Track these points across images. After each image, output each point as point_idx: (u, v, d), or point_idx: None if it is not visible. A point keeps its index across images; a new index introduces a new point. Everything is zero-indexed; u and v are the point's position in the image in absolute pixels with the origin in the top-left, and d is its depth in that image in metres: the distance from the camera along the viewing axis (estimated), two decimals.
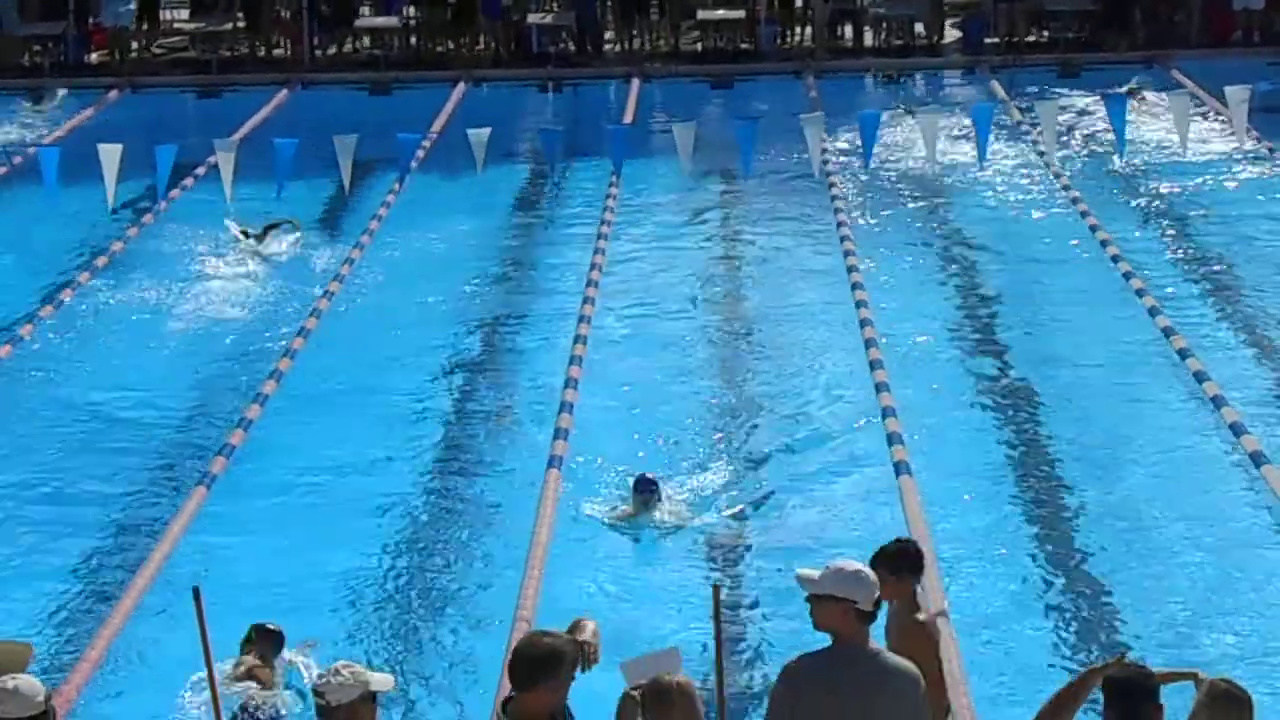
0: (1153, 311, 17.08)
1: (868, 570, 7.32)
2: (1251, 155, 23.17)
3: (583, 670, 7.04)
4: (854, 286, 18.10)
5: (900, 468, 13.39)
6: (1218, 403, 14.66)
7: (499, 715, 6.92)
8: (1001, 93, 26.92)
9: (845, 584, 7.17)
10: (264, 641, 10.85)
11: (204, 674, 8.03)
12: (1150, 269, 18.79)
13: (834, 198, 21.63)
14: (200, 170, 22.29)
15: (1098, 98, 24.36)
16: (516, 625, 10.80)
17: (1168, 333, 16.44)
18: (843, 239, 19.93)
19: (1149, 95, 25.79)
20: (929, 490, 13.14)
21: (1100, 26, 30.04)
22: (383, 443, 14.84)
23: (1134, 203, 21.91)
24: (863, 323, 16.87)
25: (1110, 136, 22.21)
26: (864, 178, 22.51)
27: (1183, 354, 15.85)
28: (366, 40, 31.52)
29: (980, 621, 11.56)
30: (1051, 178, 22.38)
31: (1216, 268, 19.16)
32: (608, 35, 31.18)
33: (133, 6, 30.90)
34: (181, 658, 10.56)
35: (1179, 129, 20.26)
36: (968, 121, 22.16)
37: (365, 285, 19.10)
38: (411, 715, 10.74)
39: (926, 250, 20.26)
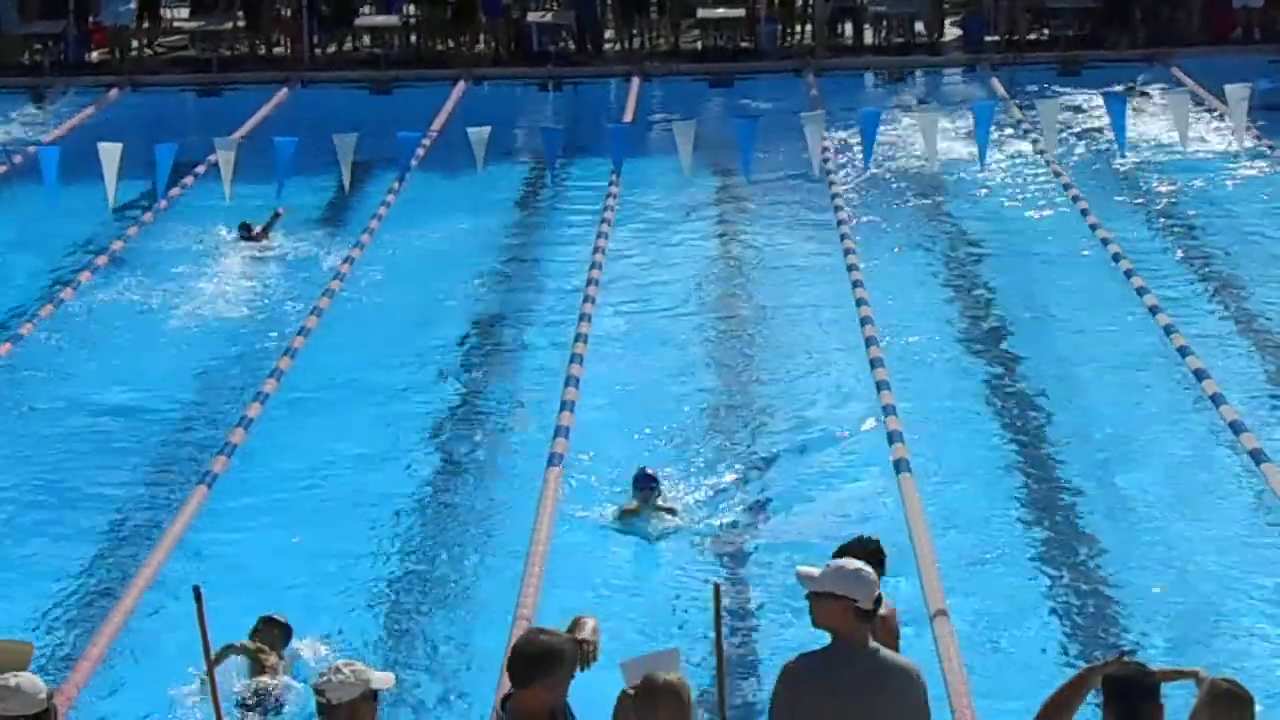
0: (1153, 310, 17.08)
1: (868, 569, 7.31)
2: (1251, 153, 23.16)
3: (582, 668, 7.03)
4: (854, 285, 18.10)
5: (900, 466, 13.40)
6: (1217, 401, 14.66)
7: (498, 712, 6.92)
8: (1002, 91, 26.92)
9: (845, 582, 7.17)
10: (271, 633, 10.91)
11: (204, 673, 8.03)
12: (1151, 267, 18.78)
13: (834, 196, 21.62)
14: (200, 169, 22.29)
15: (1098, 96, 24.35)
16: (516, 623, 10.80)
17: (1168, 331, 16.43)
18: (843, 237, 19.93)
19: (1150, 93, 25.79)
20: (929, 488, 13.14)
21: (1101, 24, 30.03)
22: (383, 441, 14.85)
23: (1134, 201, 21.92)
24: (863, 321, 16.87)
25: (1110, 134, 22.21)
26: (864, 176, 22.51)
27: (1183, 352, 15.85)
28: (366, 39, 31.52)
29: (980, 621, 11.56)
30: (1052, 176, 22.38)
31: (1217, 266, 19.16)
32: (608, 34, 31.17)
33: (133, 5, 30.86)
34: (182, 656, 10.59)
35: (1179, 127, 20.27)
36: (968, 120, 22.15)
37: (365, 284, 19.10)
38: (412, 714, 10.75)
39: (926, 248, 20.26)
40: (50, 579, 12.56)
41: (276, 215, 20.65)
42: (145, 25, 31.22)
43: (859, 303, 17.49)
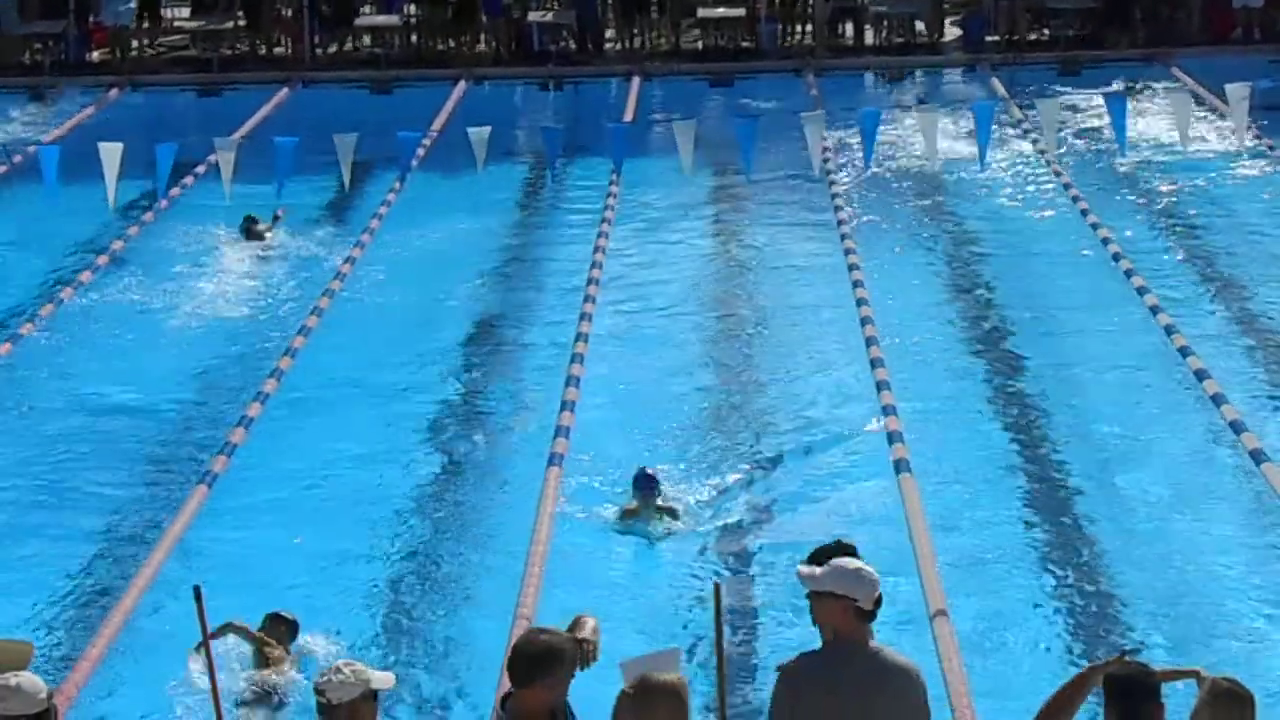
0: (1154, 310, 17.08)
1: (869, 568, 7.30)
2: (1252, 153, 23.16)
3: (582, 668, 7.03)
4: (854, 285, 18.10)
5: (900, 466, 13.39)
6: (1218, 401, 14.66)
7: (498, 712, 6.92)
8: (1002, 90, 26.91)
9: (846, 581, 7.17)
10: (278, 629, 10.92)
11: (205, 670, 8.02)
12: (1151, 266, 18.78)
13: (834, 196, 21.62)
14: (201, 169, 22.28)
15: (1098, 96, 24.35)
16: (516, 623, 10.80)
17: (1169, 330, 16.43)
18: (843, 237, 19.92)
19: (1149, 92, 25.79)
20: (929, 488, 13.14)
21: (1101, 24, 30.03)
22: (383, 441, 14.85)
23: (1135, 201, 21.91)
24: (863, 321, 16.86)
25: (1111, 134, 22.20)
26: (864, 176, 22.50)
27: (1184, 352, 15.84)
28: (367, 39, 31.52)
29: (980, 621, 11.56)
30: (1052, 176, 22.38)
31: (1218, 266, 19.15)
32: (608, 33, 31.17)
33: (133, 5, 30.86)
34: (182, 656, 10.60)
35: (1179, 127, 20.27)
36: (968, 120, 22.14)
37: (366, 284, 19.09)
38: (412, 713, 10.75)
39: (927, 248, 20.26)
40: (50, 579, 12.56)
41: (277, 216, 20.66)
42: (145, 25, 31.23)
43: (859, 303, 17.48)
